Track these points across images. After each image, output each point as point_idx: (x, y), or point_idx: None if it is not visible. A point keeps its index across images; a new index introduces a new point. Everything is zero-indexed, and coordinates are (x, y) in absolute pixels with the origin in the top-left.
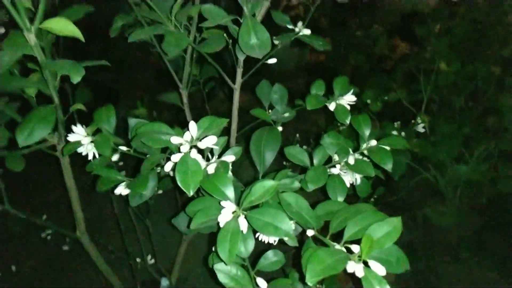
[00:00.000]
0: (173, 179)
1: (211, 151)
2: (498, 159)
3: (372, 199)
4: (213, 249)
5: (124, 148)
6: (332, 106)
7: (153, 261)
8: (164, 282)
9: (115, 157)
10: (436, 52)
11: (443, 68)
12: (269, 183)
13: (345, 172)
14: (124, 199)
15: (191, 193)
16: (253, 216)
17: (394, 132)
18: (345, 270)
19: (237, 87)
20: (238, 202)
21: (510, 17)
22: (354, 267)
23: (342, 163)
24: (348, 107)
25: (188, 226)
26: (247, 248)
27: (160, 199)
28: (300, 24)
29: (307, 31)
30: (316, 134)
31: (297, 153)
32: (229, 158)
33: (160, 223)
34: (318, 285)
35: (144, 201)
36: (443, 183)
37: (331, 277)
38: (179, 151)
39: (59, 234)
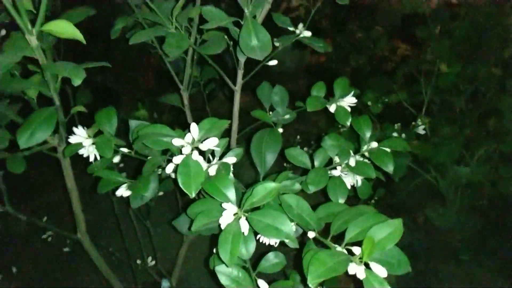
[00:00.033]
0: (174, 180)
1: (212, 152)
2: (499, 161)
3: (372, 201)
4: (214, 251)
5: (125, 150)
6: (332, 108)
7: (153, 262)
8: (165, 283)
9: (116, 159)
10: (437, 53)
11: (444, 69)
12: (270, 185)
13: (346, 174)
14: (125, 200)
15: (193, 194)
16: (255, 218)
17: (395, 134)
18: (346, 272)
19: (237, 88)
20: (239, 204)
21: (511, 19)
22: (356, 269)
23: (343, 165)
24: (349, 109)
25: (190, 228)
26: (248, 250)
27: (160, 201)
28: (300, 26)
29: (308, 33)
30: (317, 135)
31: (297, 155)
32: (230, 159)
33: (161, 224)
34: (319, 287)
35: (144, 203)
36: (444, 184)
37: (331, 278)
38: (181, 153)
39: (60, 236)
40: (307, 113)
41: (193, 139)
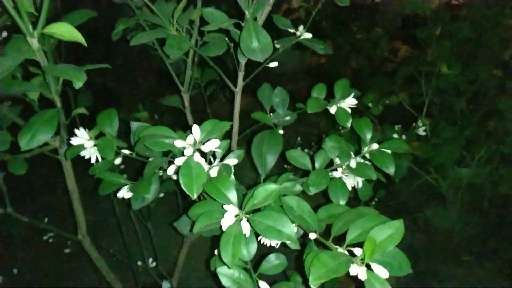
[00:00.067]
0: (175, 182)
1: (213, 154)
2: (500, 162)
3: (373, 202)
4: (216, 252)
5: (126, 152)
6: (333, 110)
7: (154, 263)
8: (166, 285)
9: (117, 161)
10: (437, 55)
11: (444, 70)
12: (271, 186)
13: (346, 176)
14: (126, 202)
15: (194, 196)
16: (256, 220)
17: (395, 135)
18: (346, 273)
19: (238, 90)
20: (240, 206)
21: (511, 20)
22: (357, 270)
23: (344, 167)
24: (349, 110)
25: (191, 230)
26: (249, 251)
27: (161, 202)
28: (301, 27)
29: (309, 35)
30: (317, 137)
31: (298, 156)
32: (232, 161)
33: (162, 226)
34: None
35: (145, 204)
36: (445, 186)
37: (332, 279)
38: (182, 155)
39: (60, 237)
40: (307, 114)
41: (195, 140)
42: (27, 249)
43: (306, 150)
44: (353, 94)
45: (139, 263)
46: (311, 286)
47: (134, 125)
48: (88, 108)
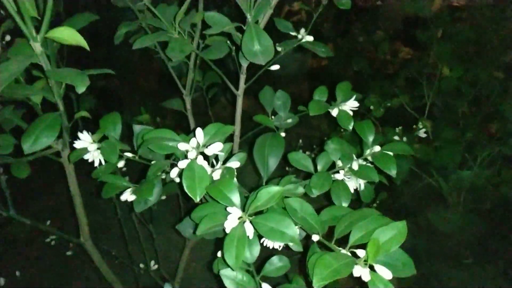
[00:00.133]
0: (178, 184)
1: (216, 157)
2: (502, 164)
3: (374, 204)
4: (219, 254)
5: (129, 155)
6: (334, 112)
7: (156, 266)
8: (167, 287)
9: (120, 164)
10: (439, 57)
11: (446, 73)
12: (274, 189)
13: (349, 178)
14: (128, 204)
15: (197, 199)
16: (259, 222)
17: (396, 137)
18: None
19: (240, 93)
20: (243, 208)
21: None
22: (361, 271)
23: (346, 169)
24: (351, 113)
25: (194, 232)
26: (252, 253)
27: (163, 205)
28: (302, 30)
29: (310, 38)
30: (319, 139)
31: (300, 159)
32: (234, 164)
33: (163, 228)
34: None
35: (147, 207)
36: (447, 188)
37: (334, 281)
38: (185, 158)
39: (63, 240)
40: (309, 117)
41: (198, 143)
42: (30, 252)
43: (307, 153)
44: (354, 97)
45: (141, 265)
46: (315, 287)
47: (136, 128)
48: (90, 111)
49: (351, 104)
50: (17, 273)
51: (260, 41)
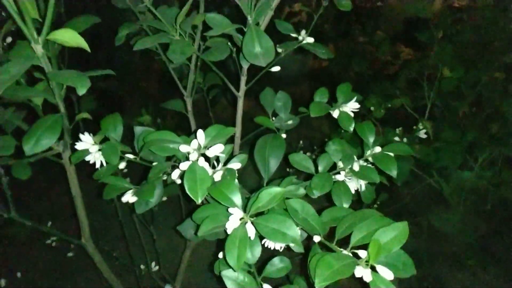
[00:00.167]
0: (179, 186)
1: (217, 158)
2: (503, 165)
3: (375, 205)
4: (220, 255)
5: (130, 156)
6: (335, 114)
7: (157, 267)
8: None
9: (122, 165)
10: (440, 58)
11: (447, 74)
12: (276, 190)
13: (349, 179)
14: (129, 206)
15: (199, 200)
16: (260, 223)
17: (396, 138)
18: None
19: (241, 94)
20: (244, 209)
21: None
22: (362, 272)
23: (347, 170)
24: (352, 114)
25: (195, 233)
26: (254, 254)
27: (164, 206)
28: (303, 32)
29: (311, 39)
30: (319, 140)
31: (301, 160)
32: (235, 165)
33: (164, 230)
34: None
35: (148, 208)
36: (448, 189)
37: (335, 282)
38: (186, 159)
39: (64, 241)
40: (309, 118)
41: (199, 145)
42: (31, 253)
43: (308, 154)
44: (355, 98)
45: (142, 267)
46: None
47: (138, 129)
48: (91, 113)
49: (352, 106)
50: (18, 274)
51: (261, 43)
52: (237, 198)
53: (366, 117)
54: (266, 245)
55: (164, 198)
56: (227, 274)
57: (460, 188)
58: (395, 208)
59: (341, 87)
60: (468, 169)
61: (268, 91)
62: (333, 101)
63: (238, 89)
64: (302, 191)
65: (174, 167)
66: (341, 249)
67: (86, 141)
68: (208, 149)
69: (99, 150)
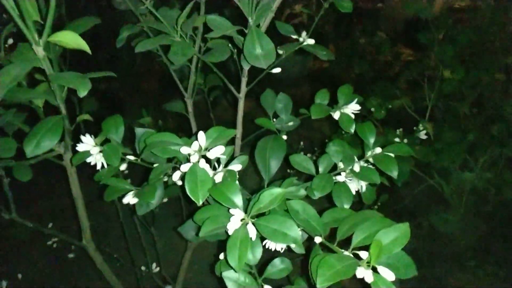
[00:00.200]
0: (180, 187)
1: (218, 160)
2: (503, 166)
3: (375, 206)
4: (221, 256)
5: (131, 158)
6: (336, 115)
7: (158, 269)
8: None
9: (123, 167)
10: (440, 59)
11: (447, 75)
12: (277, 190)
13: (350, 180)
14: (130, 207)
15: (200, 202)
16: (262, 224)
17: (397, 139)
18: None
19: (241, 96)
20: (245, 210)
21: None
22: (364, 273)
23: (348, 171)
24: (353, 116)
25: (196, 234)
26: (255, 255)
27: (165, 208)
28: (304, 34)
29: (311, 41)
30: (320, 141)
31: (302, 161)
32: (236, 167)
33: (165, 231)
34: None
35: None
36: (448, 190)
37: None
38: (187, 161)
39: (65, 242)
40: (310, 119)
41: (200, 147)
42: (32, 254)
43: (309, 155)
44: (356, 100)
45: (143, 268)
46: None
47: (139, 131)
48: (92, 114)
49: (353, 107)
50: (19, 275)
51: (262, 44)
52: (238, 199)
53: (366, 118)
54: (267, 246)
55: (165, 200)
56: (228, 275)
57: (460, 189)
58: (395, 209)
59: (342, 88)
60: (469, 170)
61: (269, 92)
62: (334, 102)
63: (239, 91)
64: (303, 192)
65: (175, 168)
66: (343, 250)
67: (87, 143)
68: (209, 150)
69: (100, 151)
